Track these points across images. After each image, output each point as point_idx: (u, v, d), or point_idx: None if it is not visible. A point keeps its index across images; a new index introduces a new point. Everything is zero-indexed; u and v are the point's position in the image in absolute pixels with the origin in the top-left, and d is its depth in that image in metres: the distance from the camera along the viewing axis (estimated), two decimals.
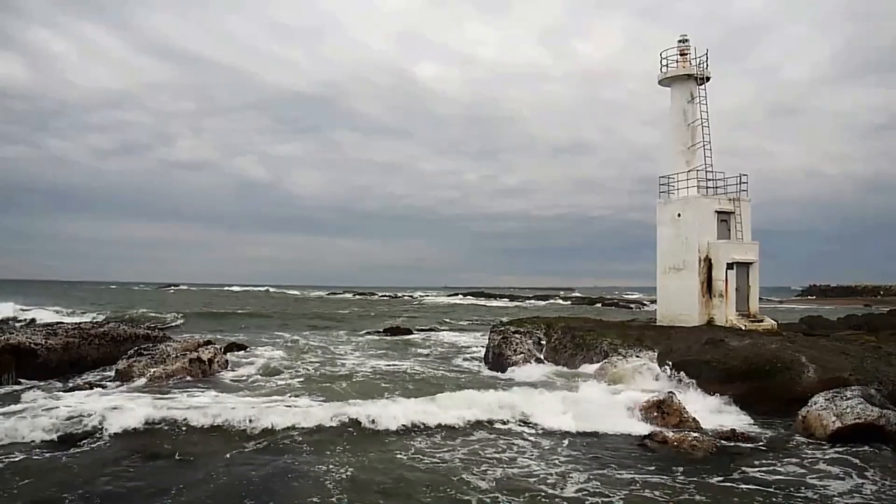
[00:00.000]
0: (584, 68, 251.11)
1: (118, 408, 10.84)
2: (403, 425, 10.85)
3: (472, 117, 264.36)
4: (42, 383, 14.62)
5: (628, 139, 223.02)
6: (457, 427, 11.00)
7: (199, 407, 11.31)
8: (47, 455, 8.97)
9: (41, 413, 10.74)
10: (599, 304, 70.72)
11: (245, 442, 9.85)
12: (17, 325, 21.80)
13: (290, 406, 11.87)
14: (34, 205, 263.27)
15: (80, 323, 18.22)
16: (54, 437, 9.80)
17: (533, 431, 10.92)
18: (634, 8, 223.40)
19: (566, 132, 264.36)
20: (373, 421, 10.90)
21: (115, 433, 9.95)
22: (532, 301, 79.88)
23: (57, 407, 11.17)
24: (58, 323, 18.53)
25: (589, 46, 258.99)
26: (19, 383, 14.61)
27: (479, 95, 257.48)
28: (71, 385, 14.50)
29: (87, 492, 7.55)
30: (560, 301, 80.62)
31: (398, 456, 9.33)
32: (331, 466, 8.67)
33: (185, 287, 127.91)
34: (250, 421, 10.55)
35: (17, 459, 8.68)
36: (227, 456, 9.13)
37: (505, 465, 8.91)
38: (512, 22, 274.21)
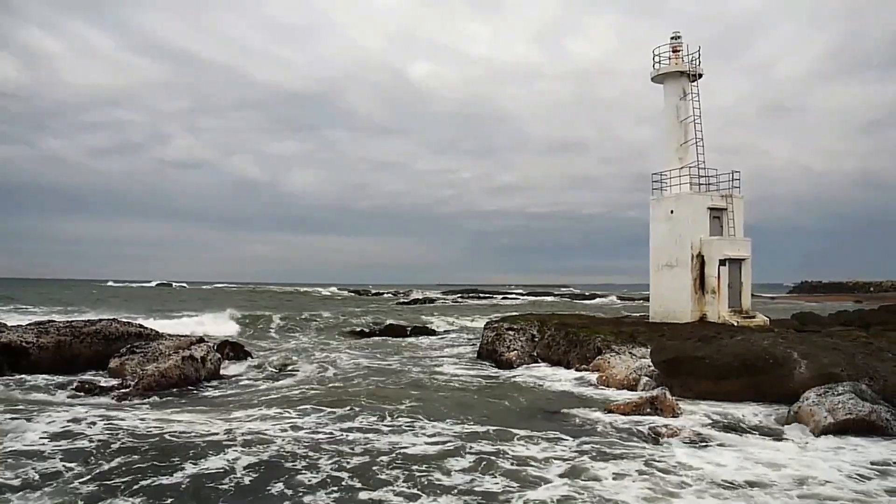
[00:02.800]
0: (578, 66, 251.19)
1: None
2: None
3: (466, 115, 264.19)
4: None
5: (622, 137, 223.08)
6: None
7: None
8: None
9: None
10: (592, 301, 71.01)
11: None
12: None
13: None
14: (30, 204, 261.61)
15: (72, 321, 18.09)
16: None
17: None
18: (628, 6, 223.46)
19: (561, 130, 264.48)
20: None
21: None
22: (529, 297, 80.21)
23: None
24: (49, 321, 18.38)
25: (582, 44, 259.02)
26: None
27: (474, 94, 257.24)
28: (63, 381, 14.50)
29: None
30: (553, 298, 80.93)
31: None
32: None
33: (185, 285, 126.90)
34: None
35: None
36: None
37: None
38: (505, 20, 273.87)
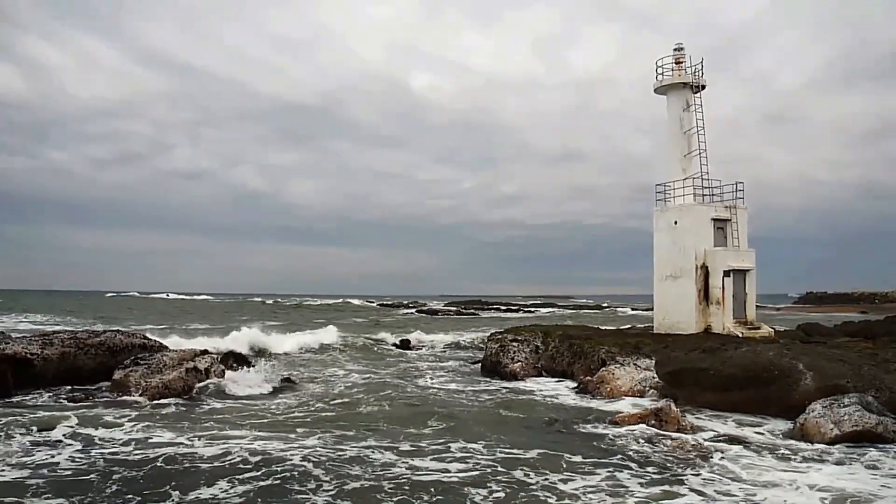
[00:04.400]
0: (578, 77, 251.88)
1: None
2: None
3: (467, 126, 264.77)
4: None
5: (624, 147, 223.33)
6: None
7: None
8: None
9: None
10: (595, 311, 70.66)
11: None
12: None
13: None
14: (33, 215, 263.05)
15: (77, 332, 18.10)
16: None
17: None
18: (627, 17, 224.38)
19: (562, 141, 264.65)
20: None
21: None
22: (537, 310, 79.19)
23: None
24: (54, 332, 18.40)
25: (582, 55, 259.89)
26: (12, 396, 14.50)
27: (474, 105, 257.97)
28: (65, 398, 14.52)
29: None
30: (559, 310, 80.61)
31: None
32: None
33: (209, 297, 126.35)
34: None
35: None
36: None
37: None
38: (505, 32, 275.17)
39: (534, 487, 8.36)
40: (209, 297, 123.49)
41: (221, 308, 77.19)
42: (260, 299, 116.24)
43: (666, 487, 8.40)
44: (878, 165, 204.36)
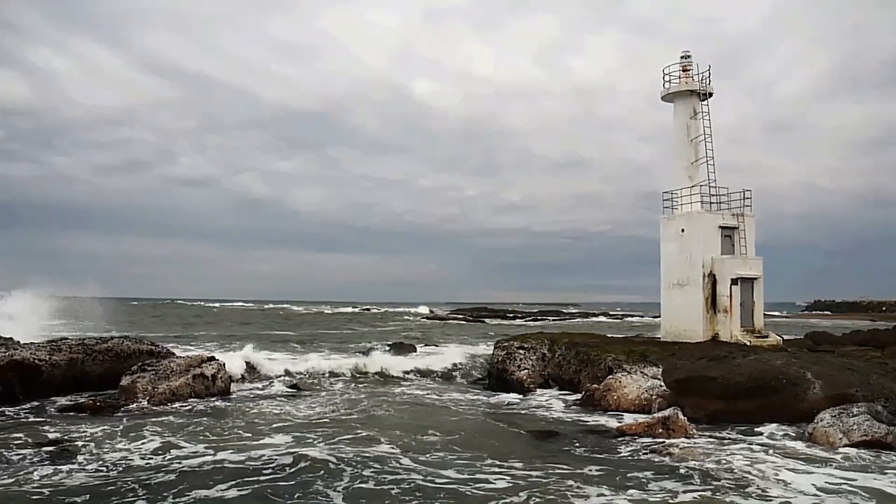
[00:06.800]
0: (580, 85, 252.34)
1: None
2: None
3: (470, 134, 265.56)
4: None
5: (626, 155, 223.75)
6: None
7: None
8: None
9: None
10: (602, 318, 70.46)
11: None
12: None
13: None
14: (38, 221, 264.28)
15: (84, 338, 18.16)
16: None
17: None
18: (628, 25, 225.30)
19: (565, 148, 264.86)
20: None
21: None
22: (545, 318, 78.19)
23: None
24: (61, 338, 18.48)
25: (584, 63, 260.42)
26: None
27: (477, 112, 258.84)
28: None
29: None
30: (565, 319, 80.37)
31: None
32: None
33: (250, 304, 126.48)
34: None
35: None
36: None
37: None
38: (507, 39, 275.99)
39: (553, 499, 8.24)
40: (244, 304, 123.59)
41: (263, 316, 76.11)
42: (279, 306, 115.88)
43: (691, 496, 8.32)
44: (881, 173, 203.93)
